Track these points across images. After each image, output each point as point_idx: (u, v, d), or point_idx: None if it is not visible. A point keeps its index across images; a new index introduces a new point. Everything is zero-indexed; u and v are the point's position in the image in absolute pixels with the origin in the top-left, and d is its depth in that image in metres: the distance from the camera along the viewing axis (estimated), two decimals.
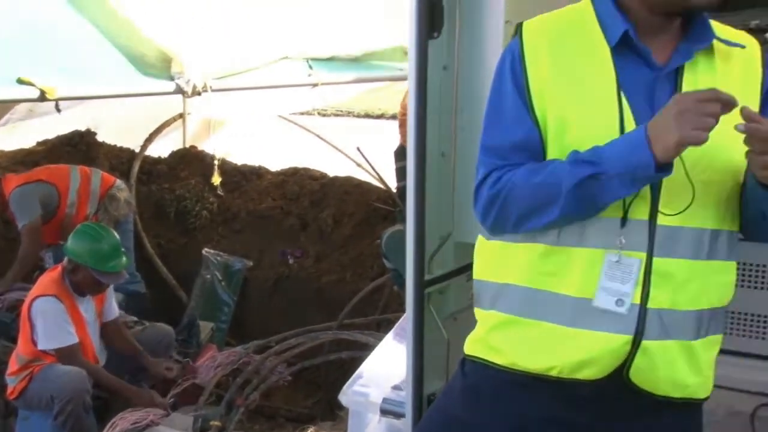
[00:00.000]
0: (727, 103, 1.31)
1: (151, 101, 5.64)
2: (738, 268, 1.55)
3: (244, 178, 6.08)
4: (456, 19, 2.21)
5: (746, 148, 1.40)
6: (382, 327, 4.49)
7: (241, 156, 6.36)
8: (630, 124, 1.42)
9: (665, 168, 1.36)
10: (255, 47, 4.23)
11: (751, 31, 2.69)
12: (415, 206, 2.25)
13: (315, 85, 4.52)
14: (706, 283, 1.49)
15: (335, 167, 6.12)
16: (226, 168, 6.04)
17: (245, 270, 5.45)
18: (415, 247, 2.28)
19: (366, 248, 5.30)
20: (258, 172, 6.13)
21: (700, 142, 1.31)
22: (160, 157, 6.30)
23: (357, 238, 5.43)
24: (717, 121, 1.31)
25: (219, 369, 4.24)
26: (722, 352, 1.64)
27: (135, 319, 4.59)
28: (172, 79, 4.01)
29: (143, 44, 3.90)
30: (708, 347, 1.55)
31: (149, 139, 6.22)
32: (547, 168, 1.45)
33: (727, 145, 1.40)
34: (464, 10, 2.21)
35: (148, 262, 5.57)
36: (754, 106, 1.49)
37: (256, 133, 6.54)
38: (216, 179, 5.68)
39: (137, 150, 6.17)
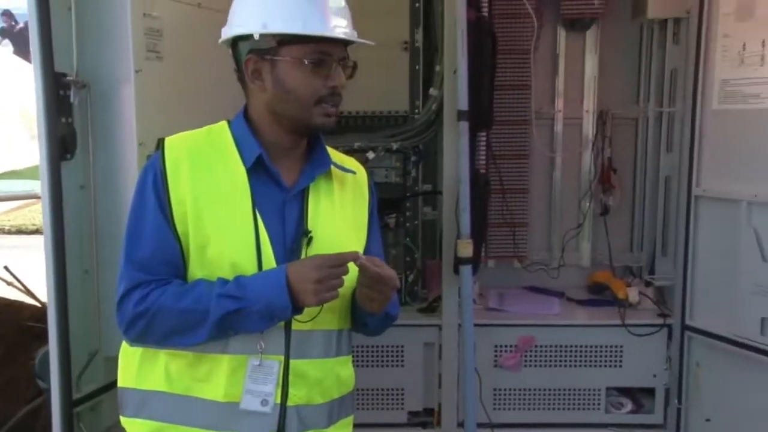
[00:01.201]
0: (352, 259, 1.42)
1: None
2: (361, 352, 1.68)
3: None
4: (89, 141, 2.17)
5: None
6: None
7: None
8: (265, 241, 1.46)
9: (301, 311, 1.44)
10: None
11: (355, 151, 3.07)
12: (58, 326, 2.10)
13: None
14: (336, 376, 1.57)
15: None
16: None
17: None
18: (60, 367, 2.12)
19: (20, 370, 4.65)
20: None
21: (334, 298, 1.43)
22: None
23: (9, 361, 4.74)
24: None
25: None
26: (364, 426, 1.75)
27: None
28: None
29: None
30: (341, 430, 1.63)
31: None
32: (194, 292, 1.42)
33: None
34: (97, 132, 2.18)
35: None
36: (364, 222, 1.64)
37: None
38: None
39: None
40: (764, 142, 2.64)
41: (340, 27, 1.48)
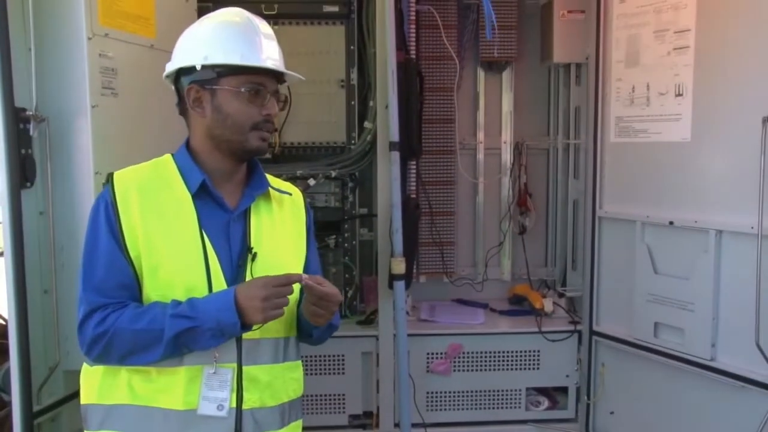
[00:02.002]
0: (297, 280, 1.46)
1: None
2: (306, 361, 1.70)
3: None
4: (48, 170, 2.15)
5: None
6: None
7: None
8: (213, 259, 1.47)
9: (249, 328, 1.46)
10: None
11: (297, 178, 3.12)
12: (18, 342, 2.08)
13: None
14: (285, 380, 1.59)
15: None
16: None
17: None
18: (20, 381, 2.09)
19: None
20: None
21: (280, 316, 1.45)
22: None
23: None
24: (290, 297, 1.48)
25: None
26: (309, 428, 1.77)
27: None
28: None
29: None
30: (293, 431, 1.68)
31: None
32: (149, 314, 1.43)
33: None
34: (55, 162, 2.16)
35: None
36: (302, 238, 1.67)
37: None
38: None
39: None
40: (652, 171, 2.79)
41: (272, 60, 1.53)
